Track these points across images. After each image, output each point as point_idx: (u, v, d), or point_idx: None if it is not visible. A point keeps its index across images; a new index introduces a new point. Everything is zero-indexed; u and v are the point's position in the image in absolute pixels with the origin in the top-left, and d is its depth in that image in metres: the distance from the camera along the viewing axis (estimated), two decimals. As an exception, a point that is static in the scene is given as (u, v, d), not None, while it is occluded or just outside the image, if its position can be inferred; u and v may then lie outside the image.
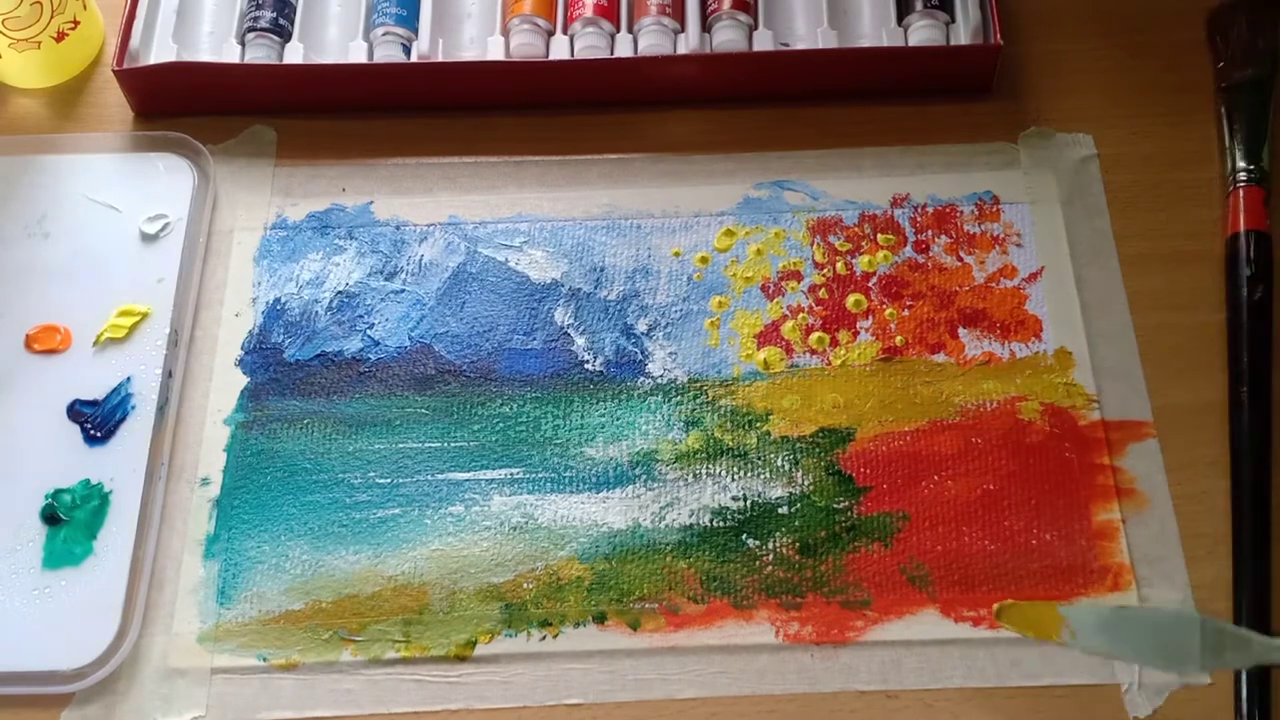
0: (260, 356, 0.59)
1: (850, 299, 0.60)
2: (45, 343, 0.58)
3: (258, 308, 0.60)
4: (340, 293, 0.61)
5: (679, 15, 0.65)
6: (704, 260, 0.61)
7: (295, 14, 0.66)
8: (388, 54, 0.64)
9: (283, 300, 0.60)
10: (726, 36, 0.64)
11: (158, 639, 0.53)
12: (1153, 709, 0.50)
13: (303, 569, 0.54)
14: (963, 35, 0.64)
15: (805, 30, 0.65)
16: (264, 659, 0.52)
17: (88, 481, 0.55)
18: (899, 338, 0.58)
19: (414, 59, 0.64)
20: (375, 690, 0.52)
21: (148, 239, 0.61)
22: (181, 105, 0.65)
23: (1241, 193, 0.60)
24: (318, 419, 0.57)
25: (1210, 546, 0.53)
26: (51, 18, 0.64)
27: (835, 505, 0.54)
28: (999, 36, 0.63)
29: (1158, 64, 0.66)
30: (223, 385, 0.58)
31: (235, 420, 0.57)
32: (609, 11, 0.65)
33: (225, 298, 0.60)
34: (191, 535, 0.55)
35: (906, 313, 0.59)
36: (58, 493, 0.55)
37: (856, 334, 0.59)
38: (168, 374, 0.58)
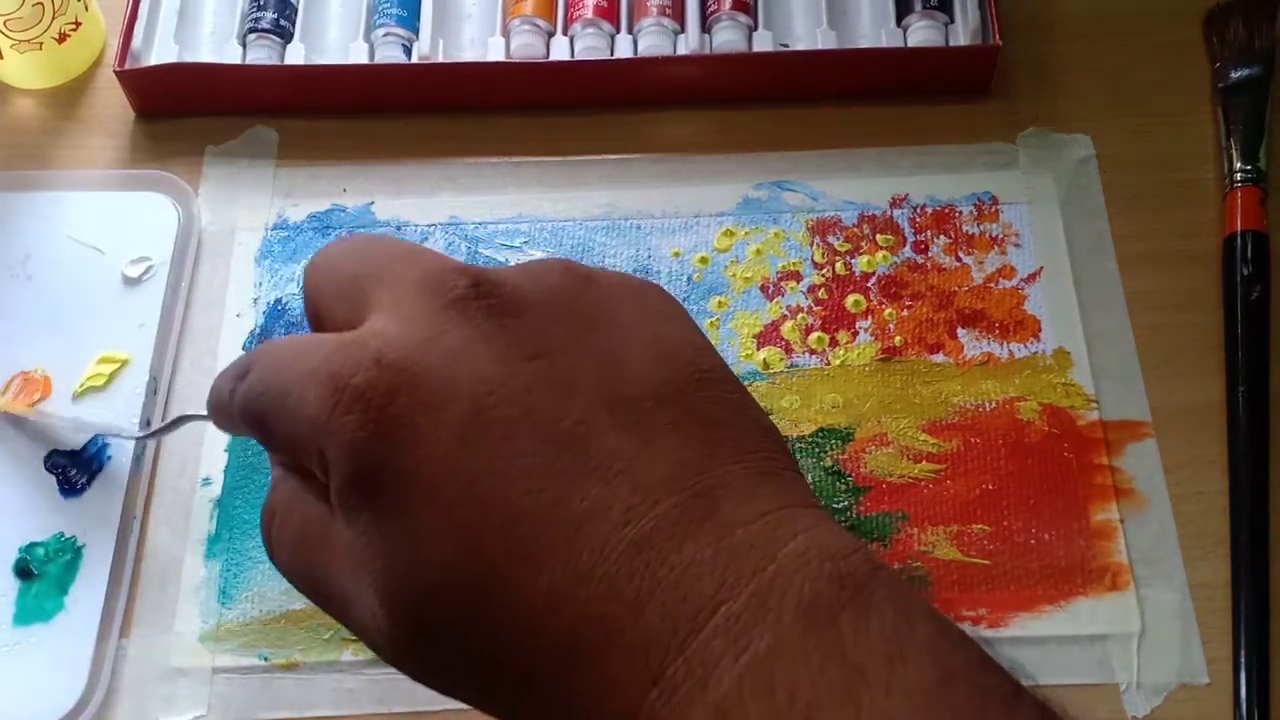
0: (261, 357, 0.59)
1: (849, 299, 0.60)
2: (27, 397, 0.56)
3: (259, 308, 0.60)
4: (341, 293, 0.61)
5: (679, 16, 0.65)
6: (703, 260, 0.61)
7: (296, 15, 0.66)
8: (388, 55, 0.65)
9: (284, 301, 0.61)
10: (726, 37, 0.64)
11: (159, 639, 0.53)
12: (1151, 709, 0.50)
13: (304, 569, 0.54)
14: (962, 36, 0.64)
15: (805, 31, 0.66)
16: (265, 658, 0.52)
17: (61, 535, 0.53)
18: (898, 338, 0.59)
19: (414, 60, 0.65)
20: (376, 690, 0.52)
21: (129, 282, 0.59)
22: (183, 106, 0.65)
23: (1239, 193, 0.60)
24: (319, 419, 0.57)
25: (1209, 546, 0.53)
26: (53, 19, 0.64)
27: (834, 505, 0.55)
28: (998, 37, 0.63)
29: (1156, 64, 0.66)
30: (224, 385, 0.58)
31: (236, 420, 0.57)
32: (609, 12, 0.65)
33: (226, 298, 0.61)
34: (193, 535, 0.55)
35: (905, 313, 0.59)
36: (31, 546, 0.53)
37: (856, 334, 0.59)
38: (145, 423, 0.56)
